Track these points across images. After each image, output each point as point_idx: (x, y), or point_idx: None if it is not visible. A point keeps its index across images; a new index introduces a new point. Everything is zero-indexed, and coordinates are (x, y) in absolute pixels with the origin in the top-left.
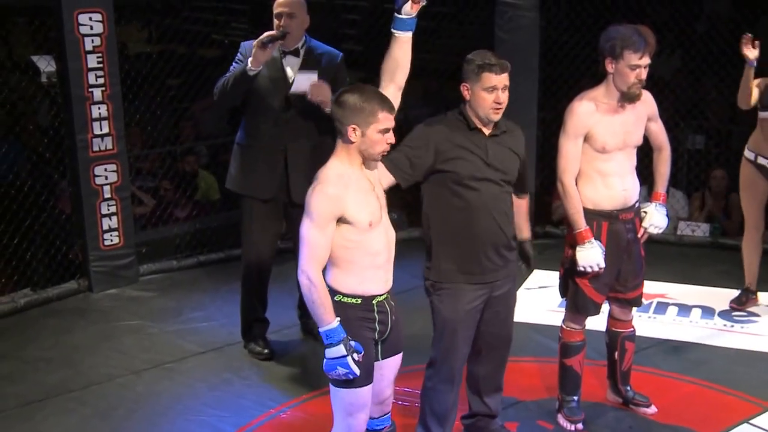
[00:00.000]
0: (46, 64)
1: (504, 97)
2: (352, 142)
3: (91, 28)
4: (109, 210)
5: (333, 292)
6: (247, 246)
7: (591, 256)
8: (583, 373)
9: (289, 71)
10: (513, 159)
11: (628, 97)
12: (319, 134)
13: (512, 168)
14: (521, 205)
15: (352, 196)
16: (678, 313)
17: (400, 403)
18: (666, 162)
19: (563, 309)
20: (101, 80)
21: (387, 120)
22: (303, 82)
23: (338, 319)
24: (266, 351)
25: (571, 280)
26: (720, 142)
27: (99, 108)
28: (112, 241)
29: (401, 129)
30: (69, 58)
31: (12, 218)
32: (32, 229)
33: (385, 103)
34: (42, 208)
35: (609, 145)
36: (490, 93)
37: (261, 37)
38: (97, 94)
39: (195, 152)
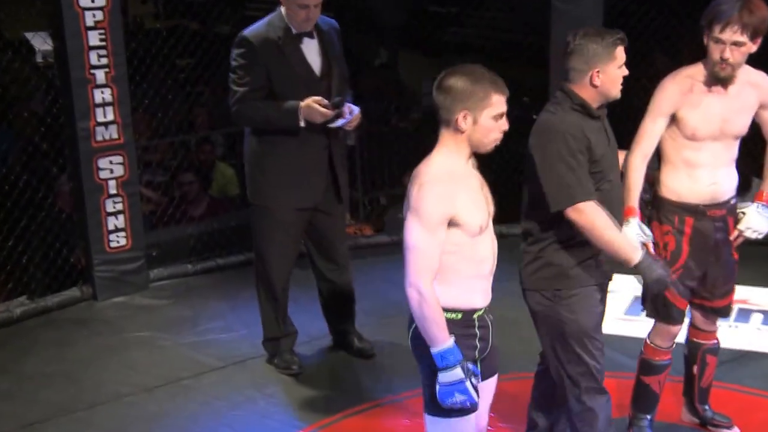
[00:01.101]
0: (42, 42)
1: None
2: (462, 132)
3: (93, 0)
4: (115, 208)
5: None
6: (273, 260)
7: (627, 233)
8: (662, 392)
9: (310, 56)
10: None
11: (715, 78)
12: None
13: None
14: None
15: (464, 195)
16: (763, 321)
17: None
18: None
19: (630, 317)
20: (104, 60)
21: (501, 103)
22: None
23: (453, 337)
24: (294, 366)
25: None
26: None
27: (102, 92)
28: (118, 242)
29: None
30: (67, 35)
31: (5, 218)
32: (28, 229)
33: (497, 83)
34: (39, 207)
35: (700, 133)
36: (622, 69)
37: (321, 112)
38: (100, 76)
39: (211, 141)
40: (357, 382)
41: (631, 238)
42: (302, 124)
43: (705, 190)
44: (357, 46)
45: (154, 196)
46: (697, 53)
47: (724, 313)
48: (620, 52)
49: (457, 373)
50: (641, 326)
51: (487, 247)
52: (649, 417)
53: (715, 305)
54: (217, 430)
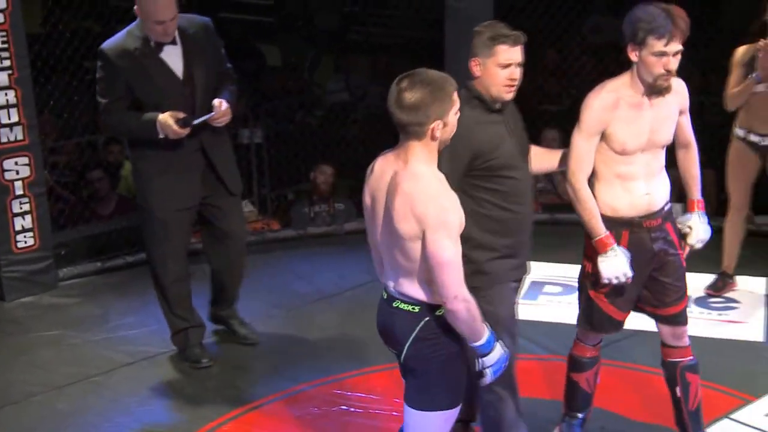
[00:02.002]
0: None
1: (519, 73)
2: (437, 138)
3: None
4: (21, 208)
5: (435, 307)
6: (158, 257)
7: (615, 265)
8: (593, 390)
9: (171, 62)
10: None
11: (655, 90)
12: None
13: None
14: None
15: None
16: None
17: (352, 410)
18: (696, 161)
19: (527, 301)
20: (7, 62)
21: (458, 98)
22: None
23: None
24: (204, 360)
25: (585, 292)
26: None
27: (6, 94)
28: (26, 243)
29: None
30: None
31: None
32: None
33: (449, 80)
34: None
35: (630, 146)
36: (505, 69)
37: (175, 125)
38: (3, 78)
39: (120, 141)
40: (267, 372)
41: (621, 266)
42: (161, 136)
43: (640, 202)
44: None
45: (64, 193)
46: (585, 49)
47: (680, 320)
48: (502, 51)
49: (496, 352)
50: (537, 310)
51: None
52: (580, 416)
53: (669, 312)
54: (128, 426)
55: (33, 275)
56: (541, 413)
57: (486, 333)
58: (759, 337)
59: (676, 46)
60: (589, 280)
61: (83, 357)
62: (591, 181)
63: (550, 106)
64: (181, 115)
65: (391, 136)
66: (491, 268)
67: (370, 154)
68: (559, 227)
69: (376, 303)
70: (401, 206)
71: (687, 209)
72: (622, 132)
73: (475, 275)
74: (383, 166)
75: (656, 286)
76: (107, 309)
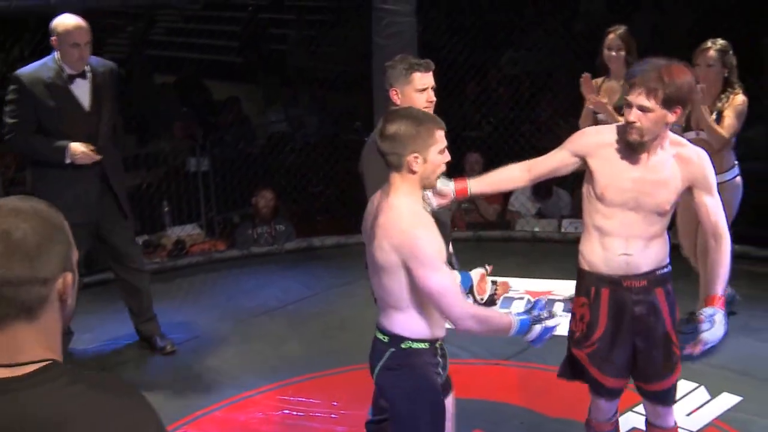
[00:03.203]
0: None
1: (433, 95)
2: (415, 172)
3: None
4: None
5: (400, 339)
6: None
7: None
8: None
9: (80, 95)
10: None
11: (625, 142)
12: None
13: None
14: None
15: (436, 232)
16: (564, 308)
17: (294, 413)
18: (723, 255)
19: None
20: None
21: (443, 138)
22: None
23: (510, 313)
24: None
25: (569, 350)
26: None
27: None
28: None
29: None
30: None
31: None
32: None
33: (436, 120)
34: None
35: (609, 195)
36: (422, 93)
37: (82, 157)
38: None
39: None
40: (213, 381)
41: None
42: (68, 161)
43: (617, 260)
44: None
45: None
46: (501, 80)
47: (663, 399)
48: (417, 78)
49: (536, 330)
50: None
51: None
52: None
53: (651, 389)
54: None
55: None
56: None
57: (512, 326)
58: None
59: (639, 98)
60: (571, 339)
61: None
62: (582, 236)
63: (471, 132)
64: (92, 147)
65: (326, 162)
66: None
67: (308, 180)
68: (482, 243)
69: (314, 315)
70: (378, 236)
71: (705, 302)
72: (604, 172)
73: None
74: (377, 197)
75: (640, 356)
76: None
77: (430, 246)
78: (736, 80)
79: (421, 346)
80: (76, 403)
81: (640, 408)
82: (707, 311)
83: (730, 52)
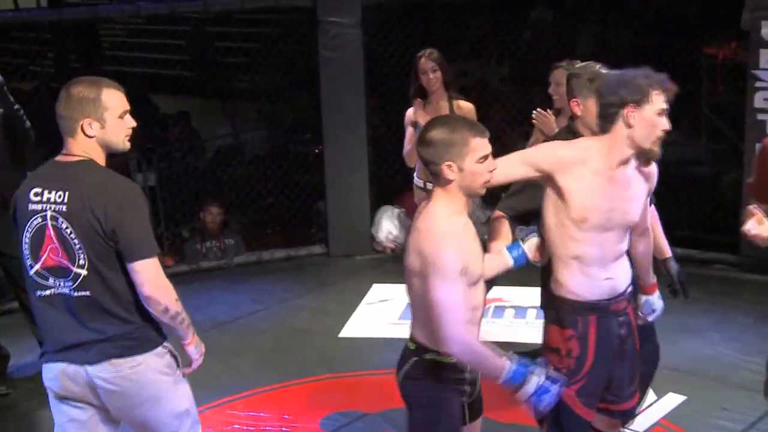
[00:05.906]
0: None
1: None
2: (451, 181)
3: None
4: None
5: (424, 350)
6: None
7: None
8: None
9: None
10: None
11: (646, 157)
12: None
13: None
14: None
15: (470, 245)
16: (515, 315)
17: (245, 428)
18: (650, 252)
19: (405, 321)
20: None
21: (482, 146)
22: None
23: (509, 357)
24: (2, 387)
25: None
26: None
27: None
28: None
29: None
30: None
31: None
32: None
33: (475, 127)
34: None
35: (591, 215)
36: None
37: None
38: None
39: None
40: None
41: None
42: None
43: (601, 285)
44: None
45: None
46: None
47: (631, 415)
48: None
49: (532, 384)
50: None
51: (481, 294)
52: None
53: (622, 408)
54: None
55: None
56: None
57: (504, 370)
58: None
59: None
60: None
61: None
62: (553, 264)
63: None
64: None
65: (274, 175)
66: None
67: (257, 193)
68: None
69: (265, 330)
70: (412, 241)
71: (645, 292)
72: (581, 196)
73: None
74: (423, 204)
75: (616, 378)
76: None
77: (453, 257)
78: None
79: (447, 360)
80: (106, 174)
81: None
82: (649, 300)
83: None
